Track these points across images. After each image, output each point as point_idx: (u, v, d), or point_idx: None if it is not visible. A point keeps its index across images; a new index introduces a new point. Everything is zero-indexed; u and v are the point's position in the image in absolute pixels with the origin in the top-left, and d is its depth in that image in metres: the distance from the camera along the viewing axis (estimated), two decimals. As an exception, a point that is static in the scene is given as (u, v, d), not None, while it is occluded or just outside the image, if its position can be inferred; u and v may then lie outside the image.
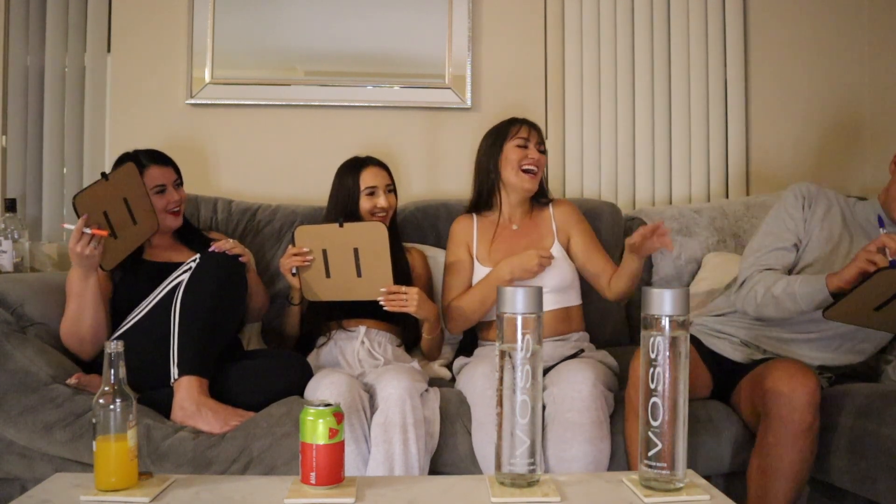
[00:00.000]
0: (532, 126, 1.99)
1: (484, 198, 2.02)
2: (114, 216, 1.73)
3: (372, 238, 1.80)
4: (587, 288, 2.00)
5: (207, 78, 2.52)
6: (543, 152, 1.98)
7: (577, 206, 2.06)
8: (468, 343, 2.20)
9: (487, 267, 1.93)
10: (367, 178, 2.03)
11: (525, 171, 1.93)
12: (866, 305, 1.47)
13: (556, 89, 2.65)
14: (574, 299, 1.94)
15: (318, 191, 2.30)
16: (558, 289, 1.89)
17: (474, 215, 2.04)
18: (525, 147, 1.94)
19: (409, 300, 1.83)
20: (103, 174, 1.73)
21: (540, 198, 2.03)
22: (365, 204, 2.02)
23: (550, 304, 1.89)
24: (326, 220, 2.08)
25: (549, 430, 1.55)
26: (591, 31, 2.62)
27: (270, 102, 2.57)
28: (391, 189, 2.07)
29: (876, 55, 2.72)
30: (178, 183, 1.99)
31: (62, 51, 2.50)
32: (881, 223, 1.57)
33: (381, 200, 2.01)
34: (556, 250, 1.93)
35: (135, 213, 1.79)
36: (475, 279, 1.96)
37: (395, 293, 1.83)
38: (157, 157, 1.95)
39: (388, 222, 2.05)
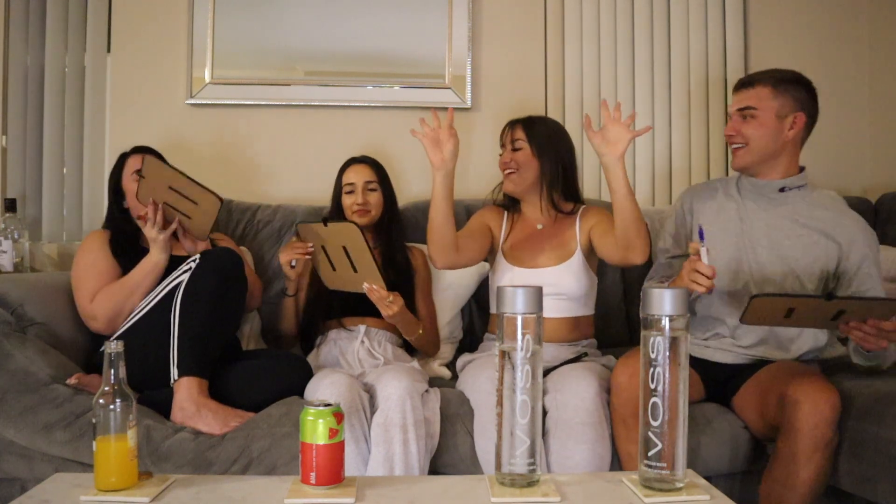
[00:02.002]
0: (512, 124, 1.96)
1: (509, 202, 2.02)
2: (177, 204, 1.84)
3: (350, 237, 1.81)
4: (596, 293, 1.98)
5: (207, 78, 2.52)
6: (518, 149, 1.91)
7: (605, 210, 1.96)
8: (469, 342, 2.20)
9: (512, 264, 1.90)
10: (348, 175, 2.09)
11: (505, 174, 1.94)
12: (774, 315, 1.51)
13: (556, 89, 2.64)
14: (587, 309, 1.92)
15: (318, 191, 2.30)
16: (573, 297, 1.87)
17: (504, 211, 2.02)
18: (502, 154, 1.96)
19: (386, 303, 1.81)
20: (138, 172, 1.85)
21: (568, 201, 1.96)
22: (346, 200, 2.08)
23: (563, 311, 1.87)
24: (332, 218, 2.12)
25: (552, 437, 1.54)
26: (591, 31, 2.62)
27: (270, 102, 2.57)
28: (372, 188, 2.08)
29: (876, 55, 2.72)
30: None
31: (62, 51, 2.50)
32: (701, 236, 1.54)
33: (358, 197, 2.04)
34: (577, 258, 1.88)
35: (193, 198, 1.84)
36: (500, 277, 1.92)
37: (376, 290, 1.81)
38: (143, 150, 2.03)
39: (374, 221, 2.06)
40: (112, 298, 1.77)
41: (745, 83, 1.72)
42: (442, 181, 1.75)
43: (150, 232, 1.79)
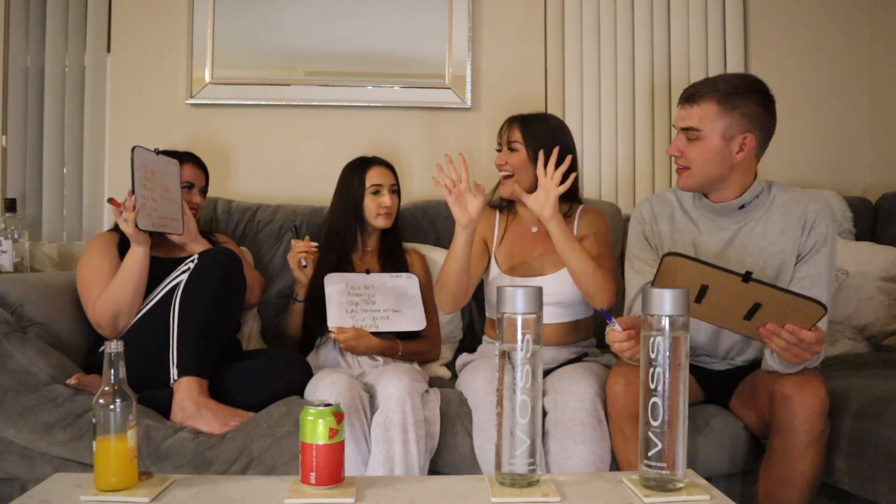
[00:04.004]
0: (508, 123, 1.91)
1: (505, 203, 1.98)
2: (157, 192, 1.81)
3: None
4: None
5: (207, 78, 2.52)
6: (514, 150, 1.86)
7: (606, 217, 1.94)
8: (469, 342, 2.20)
9: (508, 274, 1.89)
10: (373, 176, 2.03)
11: (502, 178, 1.89)
12: (731, 314, 1.37)
13: (556, 89, 2.64)
14: (586, 311, 1.91)
15: (318, 191, 2.30)
16: (571, 303, 1.86)
17: (497, 212, 1.98)
18: (500, 151, 1.91)
19: (350, 344, 1.85)
20: (156, 150, 1.85)
21: (568, 201, 1.92)
22: (369, 203, 2.03)
23: (562, 317, 1.86)
24: (331, 219, 2.09)
25: (551, 438, 1.54)
26: (591, 31, 2.62)
27: (270, 102, 2.57)
28: (395, 189, 2.07)
29: (876, 55, 2.72)
30: (204, 190, 2.06)
31: (62, 51, 2.50)
32: (608, 316, 1.41)
33: (386, 199, 2.02)
34: None
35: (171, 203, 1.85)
36: (491, 281, 1.92)
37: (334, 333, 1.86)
38: (195, 159, 2.05)
39: (392, 223, 2.05)
40: (106, 301, 1.76)
41: (690, 98, 1.56)
42: (466, 238, 1.74)
43: (121, 223, 1.74)
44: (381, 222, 2.03)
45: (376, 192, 2.02)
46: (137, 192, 1.73)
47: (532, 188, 1.88)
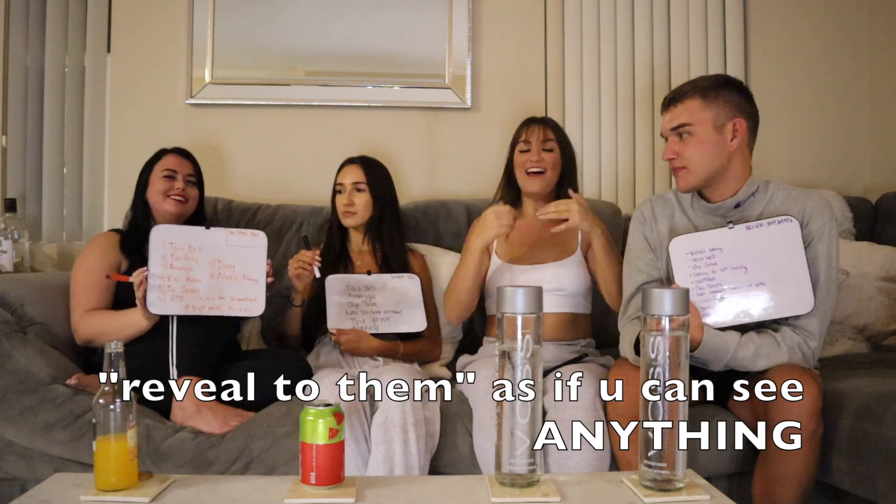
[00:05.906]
0: (540, 123, 1.96)
1: (510, 199, 1.99)
2: None
3: None
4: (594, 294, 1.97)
5: (207, 78, 2.52)
6: (550, 150, 1.92)
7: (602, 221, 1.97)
8: (469, 342, 2.20)
9: (510, 263, 1.91)
10: (340, 176, 2.08)
11: (530, 174, 1.91)
12: None
13: (556, 89, 2.64)
14: (584, 307, 1.92)
15: (319, 191, 2.30)
16: (571, 293, 1.88)
17: None
18: (528, 150, 1.93)
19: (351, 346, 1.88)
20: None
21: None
22: (338, 202, 2.07)
23: (563, 306, 1.87)
24: (331, 218, 2.13)
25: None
26: (591, 31, 2.62)
27: (270, 102, 2.57)
28: (360, 188, 2.05)
29: (876, 55, 2.72)
30: (192, 180, 1.97)
31: (62, 51, 2.50)
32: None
33: (344, 198, 2.05)
34: (577, 257, 1.90)
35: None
36: (500, 277, 1.92)
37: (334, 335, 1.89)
38: (180, 150, 2.01)
39: (363, 222, 2.05)
40: (92, 328, 1.75)
41: (672, 100, 1.60)
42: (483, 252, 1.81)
43: (138, 298, 1.65)
44: (346, 221, 2.05)
45: (340, 191, 2.06)
46: (151, 270, 1.64)
47: (555, 188, 1.95)
